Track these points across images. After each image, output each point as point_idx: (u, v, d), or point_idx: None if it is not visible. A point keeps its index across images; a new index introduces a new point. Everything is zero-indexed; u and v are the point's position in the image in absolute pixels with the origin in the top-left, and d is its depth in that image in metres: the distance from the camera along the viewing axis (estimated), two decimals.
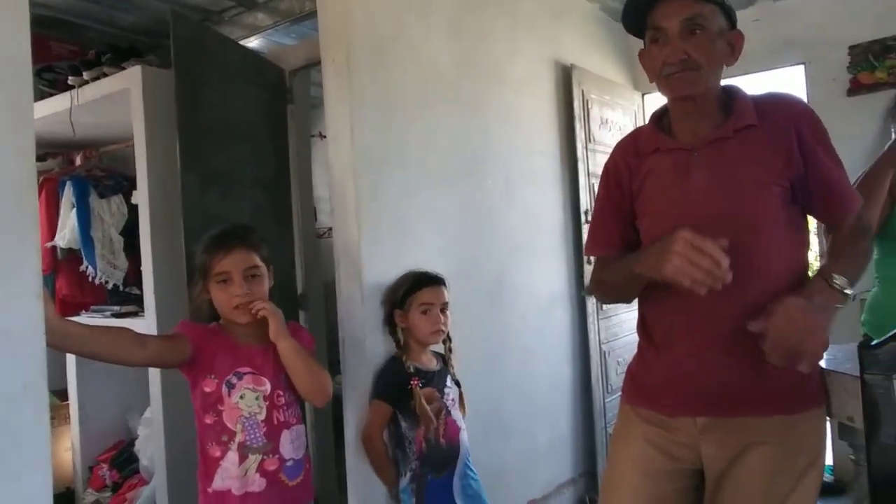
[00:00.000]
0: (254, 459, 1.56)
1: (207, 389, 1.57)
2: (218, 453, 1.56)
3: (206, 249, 1.62)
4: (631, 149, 1.48)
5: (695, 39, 1.28)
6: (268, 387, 1.61)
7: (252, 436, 1.57)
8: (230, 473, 1.55)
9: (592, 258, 1.56)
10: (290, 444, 1.63)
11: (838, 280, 1.23)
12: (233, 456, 1.55)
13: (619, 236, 1.48)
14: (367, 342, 2.06)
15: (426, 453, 1.95)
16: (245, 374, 1.59)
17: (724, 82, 1.39)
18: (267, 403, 1.60)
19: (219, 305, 1.61)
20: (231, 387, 1.57)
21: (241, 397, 1.57)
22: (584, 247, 1.60)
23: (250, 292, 1.58)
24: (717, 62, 1.33)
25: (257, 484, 1.56)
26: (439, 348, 2.13)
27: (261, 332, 1.62)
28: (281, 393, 1.63)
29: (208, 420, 1.58)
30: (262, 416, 1.58)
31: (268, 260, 1.67)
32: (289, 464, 1.62)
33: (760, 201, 1.30)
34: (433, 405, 1.97)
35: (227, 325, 1.64)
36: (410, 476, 1.95)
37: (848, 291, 1.24)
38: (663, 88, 1.37)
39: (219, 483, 1.55)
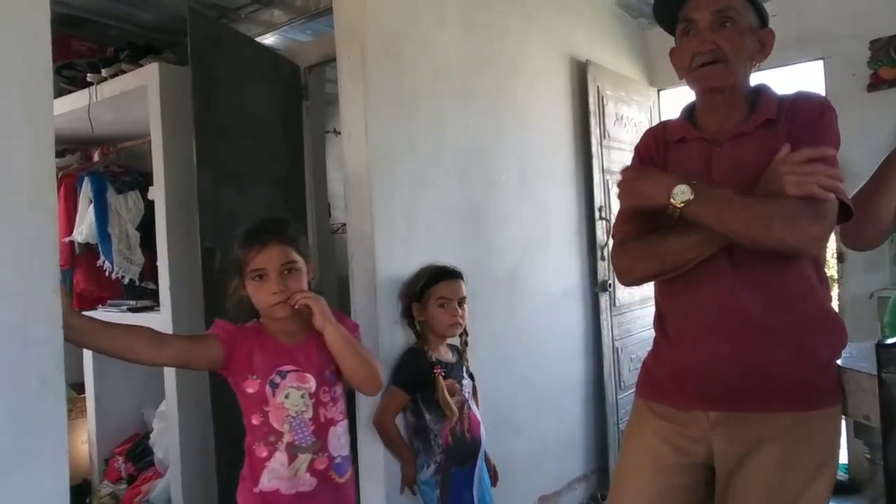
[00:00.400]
0: (304, 459, 1.52)
1: (250, 390, 1.52)
2: (265, 454, 1.52)
3: (240, 245, 1.55)
4: (660, 134, 1.50)
5: (725, 32, 1.31)
6: (312, 384, 1.55)
7: (300, 435, 1.52)
8: (278, 474, 1.51)
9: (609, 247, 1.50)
10: (338, 441, 1.58)
11: (685, 190, 1.22)
12: (281, 456, 1.51)
13: (653, 219, 1.41)
14: (381, 337, 2.07)
15: (452, 446, 1.97)
16: (288, 372, 1.53)
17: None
18: (313, 401, 1.54)
19: (256, 303, 1.55)
20: (275, 386, 1.52)
21: (287, 396, 1.52)
22: (614, 225, 1.53)
23: (286, 288, 1.50)
24: (745, 56, 1.34)
25: (308, 483, 1.53)
26: (455, 341, 2.14)
27: (302, 326, 1.57)
28: (326, 389, 1.57)
29: (255, 421, 1.53)
30: (310, 415, 1.53)
31: (306, 253, 1.61)
32: (337, 460, 1.58)
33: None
34: (455, 398, 1.99)
35: (266, 322, 1.59)
36: (435, 468, 1.96)
37: (677, 203, 1.23)
38: (692, 82, 1.39)
39: (266, 483, 1.51)
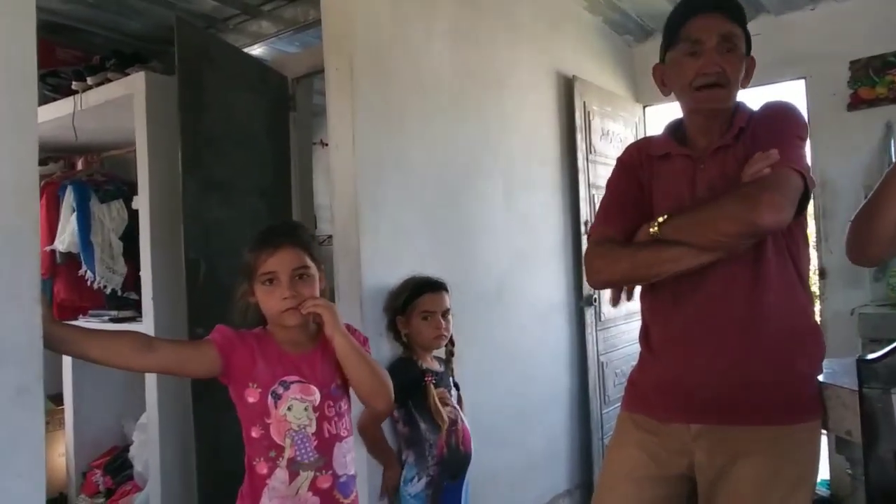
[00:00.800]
0: (305, 476, 1.43)
1: (251, 400, 1.43)
2: (265, 470, 1.43)
3: (252, 248, 1.48)
4: (644, 148, 1.52)
5: (729, 57, 1.35)
6: (317, 396, 1.46)
7: (302, 451, 1.43)
8: (279, 493, 1.42)
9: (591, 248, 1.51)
10: (343, 459, 1.49)
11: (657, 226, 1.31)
12: (281, 474, 1.42)
13: (632, 223, 1.42)
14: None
15: (447, 458, 1.95)
16: (292, 383, 1.45)
17: None
18: (317, 415, 1.45)
19: (265, 309, 1.47)
20: (277, 397, 1.43)
21: (289, 408, 1.43)
22: (591, 227, 1.52)
23: (298, 294, 1.42)
24: (739, 82, 1.39)
25: (310, 503, 1.45)
26: (440, 351, 2.13)
27: (310, 337, 1.51)
28: (331, 404, 1.49)
29: (255, 434, 1.44)
30: (313, 429, 1.44)
31: (319, 260, 1.53)
32: (342, 479, 1.48)
33: None
34: (447, 408, 1.98)
35: (273, 329, 1.51)
36: (427, 482, 1.93)
37: (655, 227, 1.31)
38: (690, 101, 1.40)
39: (266, 503, 1.43)
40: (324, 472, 1.45)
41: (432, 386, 1.96)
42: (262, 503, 1.43)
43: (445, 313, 2.04)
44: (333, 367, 1.50)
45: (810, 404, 1.32)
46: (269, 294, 1.44)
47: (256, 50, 3.34)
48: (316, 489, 1.44)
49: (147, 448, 2.74)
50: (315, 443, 1.44)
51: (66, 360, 3.05)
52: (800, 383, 1.32)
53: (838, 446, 1.40)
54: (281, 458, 1.42)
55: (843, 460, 1.44)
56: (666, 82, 1.46)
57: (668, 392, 1.38)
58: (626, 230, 1.40)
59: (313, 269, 1.48)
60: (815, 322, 1.42)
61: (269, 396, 1.43)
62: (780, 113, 1.38)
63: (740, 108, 1.42)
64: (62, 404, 3.23)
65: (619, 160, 1.56)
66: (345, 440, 1.50)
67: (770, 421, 1.29)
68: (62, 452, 3.27)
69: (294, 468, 1.42)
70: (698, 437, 1.34)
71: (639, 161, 1.50)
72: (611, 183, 1.55)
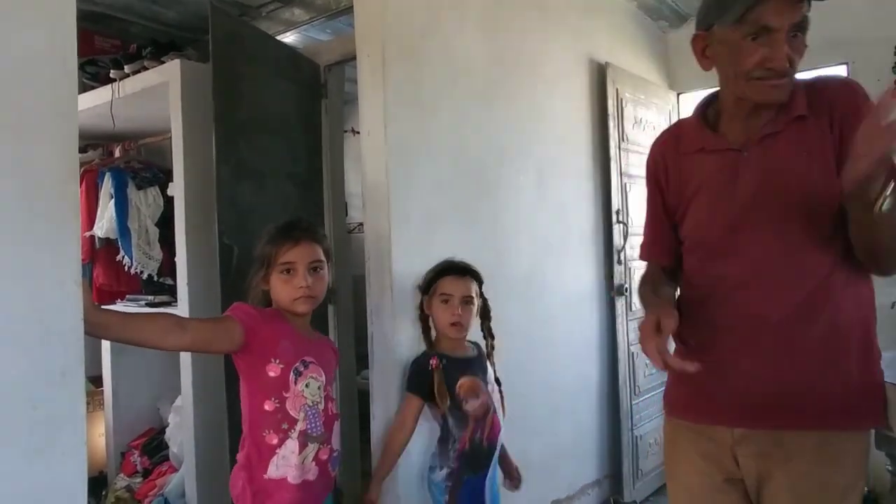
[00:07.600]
0: (312, 448, 1.57)
1: (272, 374, 1.54)
2: (275, 441, 1.54)
3: (271, 240, 1.62)
4: (672, 147, 1.40)
5: (797, 43, 1.20)
6: (324, 378, 1.62)
7: (313, 425, 1.57)
8: (289, 462, 1.54)
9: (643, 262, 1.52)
10: (337, 436, 1.67)
11: None
12: (292, 444, 1.54)
13: (672, 246, 1.42)
14: (395, 337, 2.07)
15: (468, 453, 1.92)
16: (310, 362, 1.60)
17: None
18: (324, 394, 1.61)
19: (280, 296, 1.61)
20: (298, 374, 1.56)
21: (307, 385, 1.57)
22: (640, 247, 1.54)
23: (311, 286, 1.58)
24: None
25: (312, 472, 1.58)
26: (478, 338, 2.11)
27: (312, 329, 1.69)
28: (329, 387, 1.65)
29: (268, 407, 1.54)
30: (322, 406, 1.60)
31: (329, 256, 1.69)
32: (335, 454, 1.65)
33: (813, 201, 1.20)
34: (479, 400, 1.93)
35: (284, 313, 1.64)
36: (447, 473, 1.93)
37: None
38: (745, 90, 1.24)
39: (274, 471, 1.54)
40: (325, 445, 1.61)
41: (439, 369, 1.91)
42: (269, 471, 1.55)
43: (467, 301, 1.98)
44: (333, 360, 1.72)
45: (859, 409, 1.23)
46: (286, 283, 1.59)
47: (289, 37, 3.35)
48: (318, 461, 1.59)
49: (182, 430, 2.80)
50: (323, 419, 1.59)
51: (105, 343, 3.13)
52: (848, 387, 1.22)
53: (878, 442, 1.36)
54: (293, 430, 1.55)
55: (883, 456, 1.40)
56: (710, 56, 1.30)
57: (709, 396, 1.30)
58: (666, 249, 1.43)
59: (325, 265, 1.65)
60: (870, 323, 1.27)
61: (292, 373, 1.56)
62: (864, 98, 1.23)
63: (794, 87, 1.26)
64: (101, 386, 3.32)
65: (646, 165, 1.48)
66: (338, 420, 1.68)
67: (818, 426, 1.21)
68: (102, 433, 3.36)
69: (304, 440, 1.56)
70: (741, 442, 1.27)
71: (662, 162, 1.41)
72: (647, 195, 1.48)
